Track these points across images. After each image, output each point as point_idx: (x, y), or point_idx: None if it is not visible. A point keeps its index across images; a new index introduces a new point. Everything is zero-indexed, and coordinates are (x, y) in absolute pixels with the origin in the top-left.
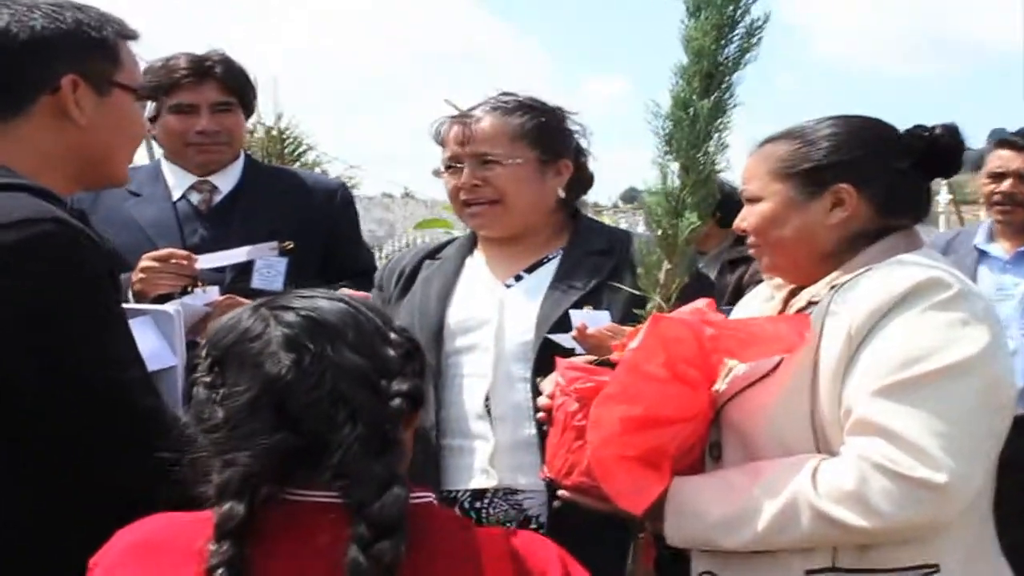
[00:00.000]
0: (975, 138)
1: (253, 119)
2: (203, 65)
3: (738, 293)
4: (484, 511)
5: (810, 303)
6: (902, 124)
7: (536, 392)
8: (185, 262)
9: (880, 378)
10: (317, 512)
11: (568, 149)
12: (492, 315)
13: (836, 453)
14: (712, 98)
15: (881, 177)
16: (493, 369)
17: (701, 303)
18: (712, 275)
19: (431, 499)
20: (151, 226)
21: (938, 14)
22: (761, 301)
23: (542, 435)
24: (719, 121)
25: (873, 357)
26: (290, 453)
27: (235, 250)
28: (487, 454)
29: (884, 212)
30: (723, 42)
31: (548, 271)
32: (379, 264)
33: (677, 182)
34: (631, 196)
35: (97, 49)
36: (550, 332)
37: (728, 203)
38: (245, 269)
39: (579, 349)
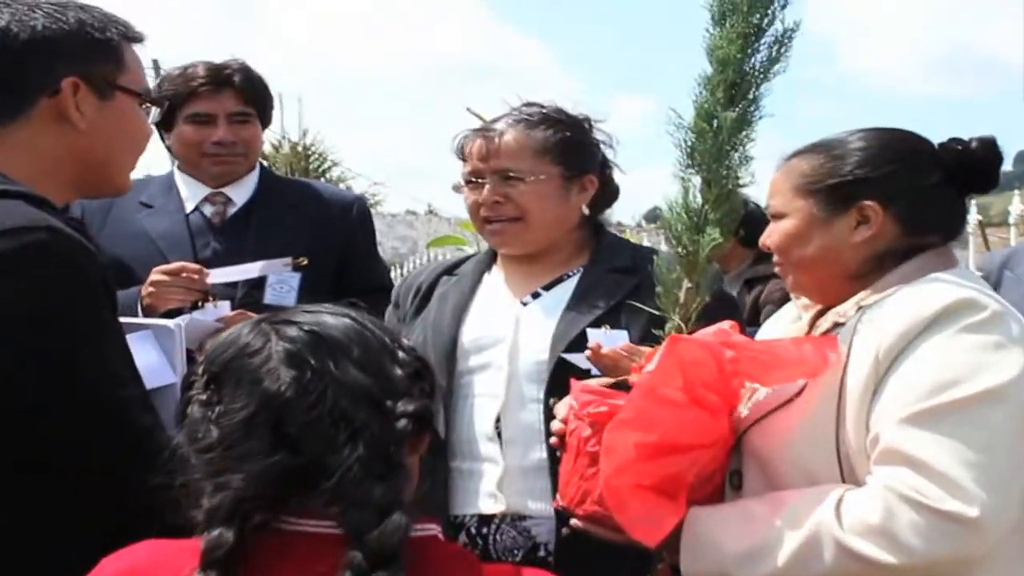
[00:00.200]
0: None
1: (279, 135)
2: (222, 74)
3: (755, 313)
4: (491, 537)
5: (836, 324)
6: None
7: (549, 414)
8: (196, 276)
9: (909, 405)
10: (312, 543)
11: (594, 163)
12: (507, 333)
13: (862, 483)
14: (737, 109)
15: (909, 193)
16: (506, 389)
17: (725, 325)
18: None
19: (436, 532)
20: (162, 238)
21: (963, 33)
22: (788, 322)
23: (554, 459)
24: (744, 133)
25: (901, 382)
26: (287, 476)
27: (248, 265)
28: (496, 478)
29: (913, 230)
30: (749, 51)
31: (567, 289)
32: (398, 282)
33: (699, 197)
34: (654, 216)
35: (100, 51)
36: (566, 352)
37: (751, 221)
38: (257, 284)
39: (595, 370)
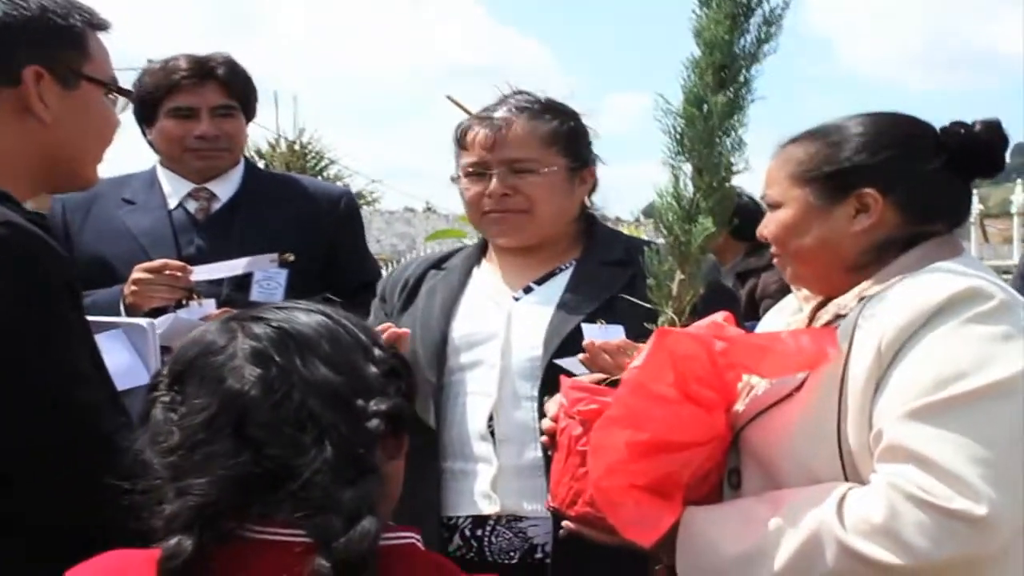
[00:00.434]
0: None
1: (275, 133)
2: (205, 66)
3: (751, 307)
4: (486, 539)
5: (837, 316)
6: None
7: (543, 412)
8: (179, 274)
9: (913, 399)
10: (278, 552)
11: (591, 155)
12: (499, 329)
13: (865, 481)
14: (727, 93)
15: (910, 179)
16: (498, 387)
17: (718, 317)
18: None
19: (413, 539)
20: (145, 235)
21: (960, 27)
22: (789, 314)
23: (549, 459)
24: (735, 118)
25: (905, 376)
26: (251, 481)
27: (233, 261)
28: (490, 478)
29: (914, 218)
30: (738, 32)
31: (560, 283)
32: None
33: (690, 185)
34: (652, 211)
35: (63, 38)
36: (560, 348)
37: (743, 212)
38: (243, 281)
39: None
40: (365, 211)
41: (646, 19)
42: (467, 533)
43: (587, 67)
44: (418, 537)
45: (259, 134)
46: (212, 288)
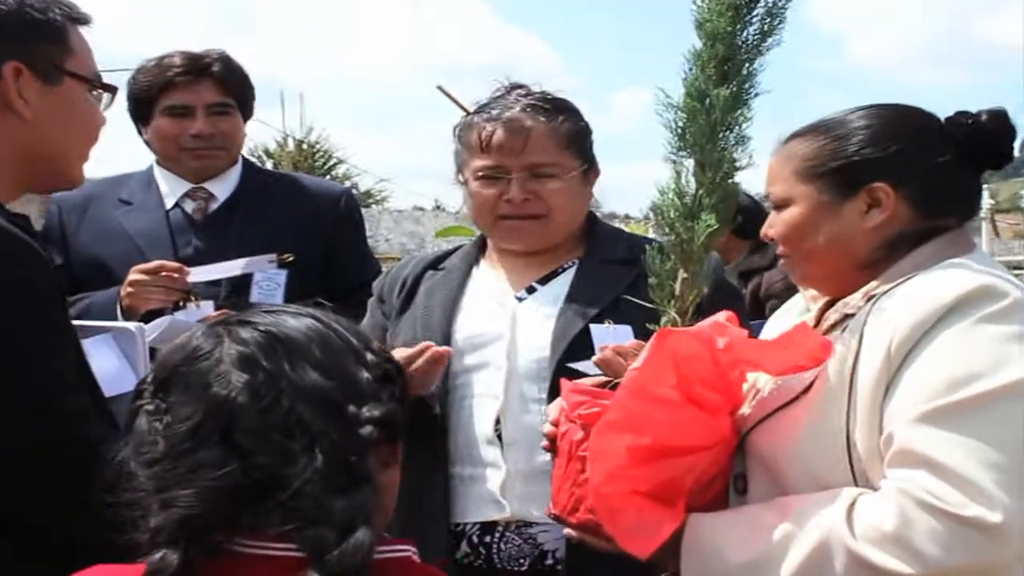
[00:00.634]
0: None
1: (282, 133)
2: (200, 63)
3: (756, 306)
4: (495, 546)
5: (846, 316)
6: None
7: None
8: (176, 275)
9: (924, 402)
10: (268, 567)
11: (594, 154)
12: (504, 330)
13: (875, 487)
14: (730, 86)
15: (921, 172)
16: (505, 389)
17: (721, 316)
18: None
19: (409, 553)
20: (142, 236)
21: (962, 21)
22: (796, 315)
23: None
24: (738, 112)
25: (916, 378)
26: (239, 492)
27: (231, 262)
28: (498, 483)
29: (927, 212)
30: (740, 24)
31: (563, 282)
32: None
33: (692, 181)
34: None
35: (43, 33)
36: (568, 349)
37: (745, 210)
38: (241, 283)
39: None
40: (374, 210)
41: (651, 13)
42: (475, 540)
43: (593, 62)
44: (414, 550)
45: (267, 134)
46: (210, 289)
